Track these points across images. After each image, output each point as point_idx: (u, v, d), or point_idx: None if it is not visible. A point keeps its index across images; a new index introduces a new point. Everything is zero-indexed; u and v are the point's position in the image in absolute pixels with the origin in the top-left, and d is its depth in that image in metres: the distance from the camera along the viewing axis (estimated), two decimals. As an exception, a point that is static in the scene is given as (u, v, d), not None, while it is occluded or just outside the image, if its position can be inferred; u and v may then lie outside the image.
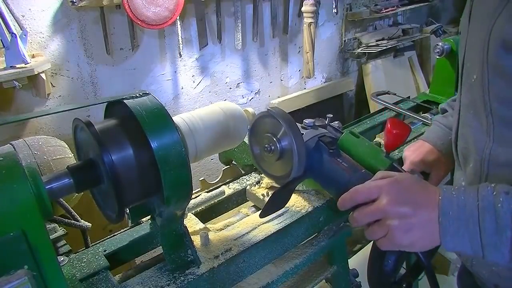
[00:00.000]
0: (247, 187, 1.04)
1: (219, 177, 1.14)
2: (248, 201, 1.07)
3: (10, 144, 0.88)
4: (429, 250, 0.66)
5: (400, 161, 1.05)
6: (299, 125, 0.82)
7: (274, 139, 0.77)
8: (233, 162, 1.14)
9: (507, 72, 0.63)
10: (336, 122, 0.91)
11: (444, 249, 0.63)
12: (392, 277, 0.92)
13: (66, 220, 0.92)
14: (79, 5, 1.54)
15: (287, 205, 0.93)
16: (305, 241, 0.95)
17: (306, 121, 0.83)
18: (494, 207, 0.57)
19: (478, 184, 0.62)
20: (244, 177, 1.11)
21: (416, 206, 0.62)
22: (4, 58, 1.37)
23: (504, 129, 0.67)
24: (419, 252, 0.71)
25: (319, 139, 0.80)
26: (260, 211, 0.81)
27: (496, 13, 0.63)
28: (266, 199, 0.98)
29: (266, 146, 0.79)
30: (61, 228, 0.90)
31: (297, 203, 0.94)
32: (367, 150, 0.84)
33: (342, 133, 0.89)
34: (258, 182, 1.04)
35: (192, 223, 0.93)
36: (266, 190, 1.01)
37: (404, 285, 0.94)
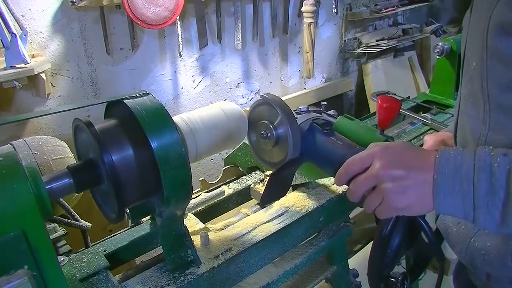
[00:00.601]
0: (251, 185, 1.05)
1: (219, 177, 1.14)
2: (248, 201, 1.07)
3: (10, 144, 0.88)
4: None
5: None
6: (293, 111, 0.83)
7: (270, 125, 0.79)
8: (239, 168, 1.14)
9: (506, 55, 0.63)
10: (332, 110, 0.92)
11: (437, 211, 0.63)
12: (392, 266, 0.92)
13: (66, 220, 0.92)
14: (79, 5, 1.54)
15: (287, 206, 0.93)
16: (305, 241, 0.96)
17: (300, 107, 0.85)
18: (491, 167, 0.57)
19: (477, 147, 0.62)
20: (244, 177, 1.11)
21: (409, 168, 0.62)
22: (4, 58, 1.37)
23: (500, 116, 0.67)
24: (420, 219, 0.71)
25: (312, 121, 0.81)
26: (261, 198, 0.83)
27: (495, 1, 0.63)
28: None
29: (262, 133, 0.81)
30: (61, 228, 0.90)
31: (297, 203, 0.94)
32: (362, 130, 0.85)
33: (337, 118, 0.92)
34: (262, 180, 1.05)
35: (192, 223, 0.93)
36: None
37: (399, 278, 0.94)
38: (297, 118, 0.81)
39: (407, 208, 0.63)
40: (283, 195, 0.86)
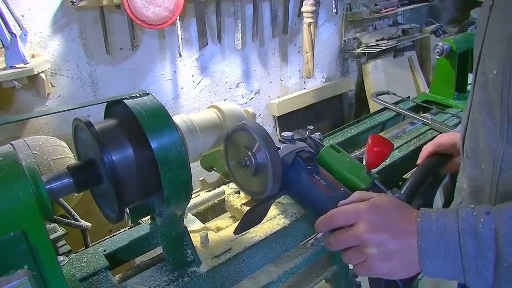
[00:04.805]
0: (226, 197, 1.03)
1: (219, 177, 1.14)
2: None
3: (10, 144, 0.88)
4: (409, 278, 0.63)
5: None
6: (277, 138, 0.78)
7: (250, 153, 0.73)
8: (214, 168, 1.07)
9: None
10: (317, 133, 0.87)
11: (425, 275, 0.60)
12: None
13: (66, 220, 0.92)
14: (79, 5, 1.55)
15: (287, 205, 0.93)
16: (305, 241, 0.95)
17: (284, 134, 0.78)
18: (475, 228, 0.54)
19: (457, 206, 0.60)
20: (223, 186, 1.09)
21: (395, 233, 0.59)
22: (4, 58, 1.37)
23: None
24: (398, 280, 0.68)
25: (296, 155, 0.76)
26: (235, 228, 0.77)
27: None
28: (245, 210, 0.97)
29: (241, 160, 0.75)
30: (61, 228, 0.90)
31: (297, 203, 0.93)
32: (348, 166, 0.79)
33: (323, 146, 0.85)
34: (237, 192, 1.02)
35: (192, 223, 0.93)
36: (245, 200, 0.98)
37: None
38: (280, 148, 0.75)
39: (390, 273, 0.61)
40: (259, 223, 0.83)
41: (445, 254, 0.56)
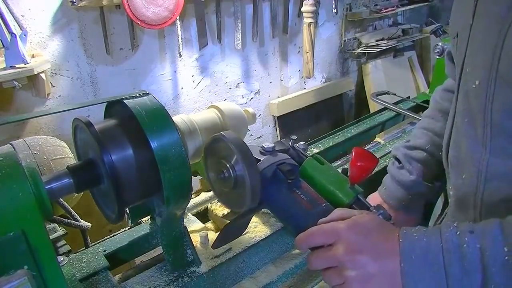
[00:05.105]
0: (209, 205, 1.03)
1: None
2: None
3: (10, 144, 0.88)
4: None
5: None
6: (258, 148, 0.75)
7: (228, 166, 0.70)
8: (199, 174, 1.03)
9: None
10: (302, 143, 0.85)
11: None
12: None
13: (66, 220, 0.92)
14: (79, 5, 1.54)
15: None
16: (305, 241, 0.95)
17: (265, 145, 0.75)
18: (459, 248, 0.52)
19: (440, 225, 0.57)
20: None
21: (376, 254, 0.57)
22: (4, 58, 1.37)
23: (504, 141, 0.62)
24: None
25: (277, 167, 0.72)
26: (213, 242, 0.74)
27: (511, 13, 0.55)
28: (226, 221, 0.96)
29: (220, 172, 0.72)
30: (61, 228, 0.91)
31: (297, 203, 0.93)
32: (331, 179, 0.76)
33: (307, 157, 0.81)
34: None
35: (192, 223, 0.93)
36: (227, 210, 0.98)
37: None
38: (260, 161, 0.72)
39: None
40: (240, 236, 0.81)
41: (429, 276, 0.54)
